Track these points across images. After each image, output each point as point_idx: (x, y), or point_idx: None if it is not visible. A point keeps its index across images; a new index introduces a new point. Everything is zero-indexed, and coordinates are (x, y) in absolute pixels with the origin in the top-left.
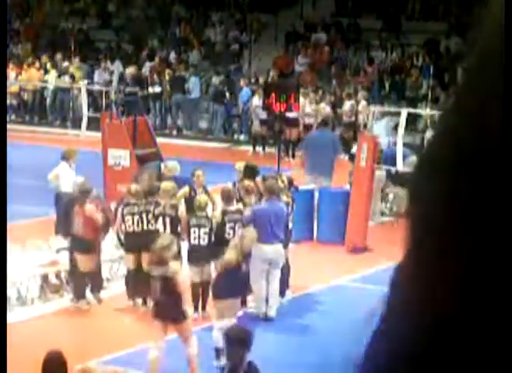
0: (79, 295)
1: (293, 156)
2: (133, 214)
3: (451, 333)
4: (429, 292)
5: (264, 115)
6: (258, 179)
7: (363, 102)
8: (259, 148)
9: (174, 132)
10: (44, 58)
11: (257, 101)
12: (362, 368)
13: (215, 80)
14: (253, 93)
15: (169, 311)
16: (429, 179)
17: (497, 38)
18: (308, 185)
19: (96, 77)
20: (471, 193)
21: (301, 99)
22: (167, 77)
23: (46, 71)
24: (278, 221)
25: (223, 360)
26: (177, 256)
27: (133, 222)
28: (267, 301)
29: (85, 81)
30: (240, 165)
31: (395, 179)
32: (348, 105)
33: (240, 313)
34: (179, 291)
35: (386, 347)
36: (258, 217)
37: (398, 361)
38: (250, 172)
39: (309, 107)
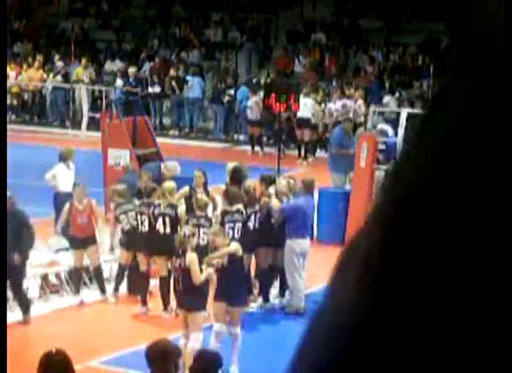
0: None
1: (306, 157)
2: (127, 213)
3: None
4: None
5: (258, 115)
6: (256, 180)
7: (360, 102)
8: (258, 148)
9: (174, 132)
10: (43, 58)
11: (251, 101)
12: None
13: (215, 80)
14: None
15: (184, 300)
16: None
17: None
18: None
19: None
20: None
21: (308, 99)
22: (169, 77)
23: (46, 71)
24: (311, 217)
25: None
26: (196, 247)
27: (131, 221)
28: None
29: (86, 81)
30: (229, 167)
31: None
32: (340, 103)
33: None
34: (194, 281)
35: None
36: (298, 212)
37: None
38: (237, 175)
39: (318, 106)
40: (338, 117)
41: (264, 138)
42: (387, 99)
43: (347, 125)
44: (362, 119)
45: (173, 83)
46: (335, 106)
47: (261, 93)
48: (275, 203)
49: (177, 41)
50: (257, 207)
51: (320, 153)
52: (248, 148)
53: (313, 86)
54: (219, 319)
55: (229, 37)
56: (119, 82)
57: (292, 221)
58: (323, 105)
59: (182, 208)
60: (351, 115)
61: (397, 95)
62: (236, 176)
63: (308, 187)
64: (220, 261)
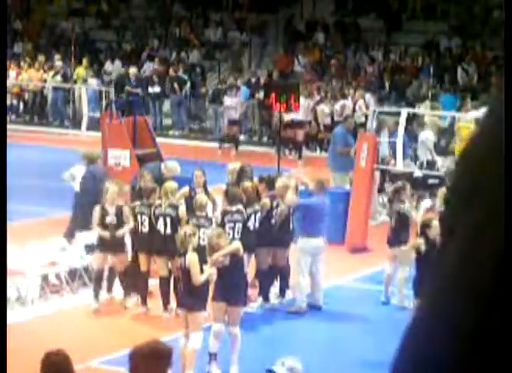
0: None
1: (300, 157)
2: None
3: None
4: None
5: (234, 115)
6: (255, 180)
7: (360, 102)
8: (233, 148)
9: (174, 132)
10: (43, 58)
11: (228, 101)
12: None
13: (215, 80)
14: (252, 93)
15: (184, 300)
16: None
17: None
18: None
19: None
20: None
21: (303, 98)
22: (169, 77)
23: (46, 71)
24: (322, 216)
25: (214, 367)
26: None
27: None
28: (312, 293)
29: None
30: (234, 167)
31: (394, 179)
32: (339, 104)
33: (241, 314)
34: (194, 282)
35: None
36: (309, 210)
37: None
38: (244, 175)
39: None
40: (336, 117)
41: (265, 138)
42: (367, 97)
43: (349, 121)
44: (362, 119)
45: (174, 83)
46: (335, 106)
47: (240, 93)
48: (292, 198)
49: (176, 41)
50: (257, 207)
51: (314, 153)
52: (248, 148)
53: (309, 86)
54: (217, 319)
55: (229, 37)
56: (90, 81)
57: (303, 220)
58: (321, 105)
59: (182, 208)
60: (349, 113)
61: (378, 93)
62: (243, 176)
63: (321, 186)
64: (224, 260)
